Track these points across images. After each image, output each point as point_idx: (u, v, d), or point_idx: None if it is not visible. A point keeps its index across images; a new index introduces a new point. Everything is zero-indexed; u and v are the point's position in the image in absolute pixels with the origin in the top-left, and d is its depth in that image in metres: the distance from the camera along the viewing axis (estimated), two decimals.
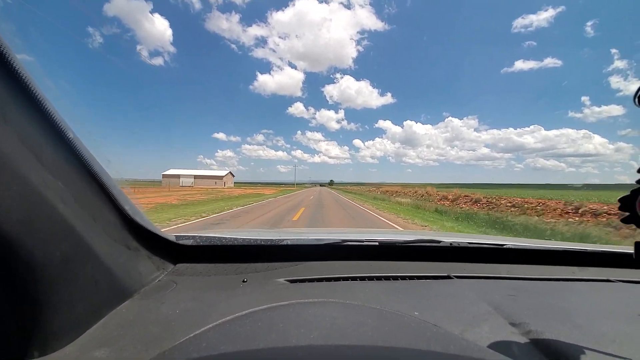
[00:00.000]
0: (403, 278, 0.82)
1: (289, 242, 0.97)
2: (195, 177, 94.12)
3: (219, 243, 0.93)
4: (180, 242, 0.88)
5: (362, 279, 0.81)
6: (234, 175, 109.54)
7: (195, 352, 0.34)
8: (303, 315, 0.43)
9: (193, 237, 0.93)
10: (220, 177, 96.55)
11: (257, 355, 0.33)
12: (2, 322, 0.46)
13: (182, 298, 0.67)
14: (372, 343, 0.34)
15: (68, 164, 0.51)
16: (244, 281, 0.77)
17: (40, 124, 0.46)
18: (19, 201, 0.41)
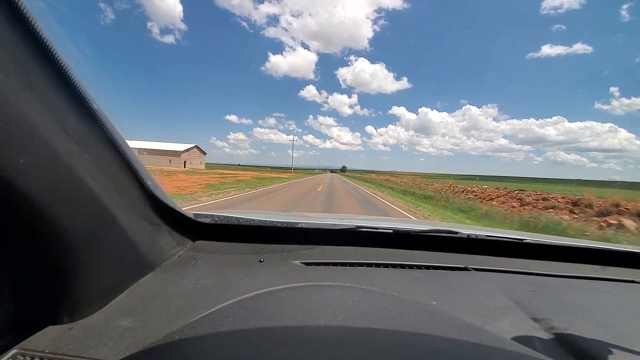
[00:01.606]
0: (419, 267, 0.82)
1: (304, 226, 0.97)
2: (141, 151, 47.92)
3: (236, 223, 0.95)
4: (199, 219, 0.90)
5: (377, 265, 0.81)
6: (204, 153, 73.47)
7: (224, 325, 0.34)
8: (326, 296, 0.43)
9: (211, 215, 0.95)
10: (178, 154, 61.08)
11: (289, 332, 0.33)
12: (33, 288, 0.48)
13: (201, 274, 0.69)
14: (401, 329, 0.34)
15: (93, 135, 0.51)
16: (260, 261, 0.79)
17: (65, 93, 0.45)
18: (45, 170, 0.41)
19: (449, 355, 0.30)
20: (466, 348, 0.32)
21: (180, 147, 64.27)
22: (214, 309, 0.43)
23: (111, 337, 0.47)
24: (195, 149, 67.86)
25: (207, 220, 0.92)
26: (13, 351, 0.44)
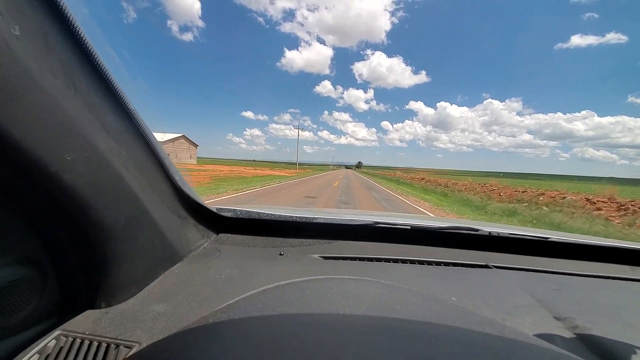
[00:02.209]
0: (438, 264, 0.81)
1: (322, 221, 0.99)
2: None
3: (257, 217, 0.98)
4: (222, 214, 0.94)
5: (395, 261, 0.81)
6: (196, 145, 62.26)
7: (253, 310, 0.36)
8: (347, 289, 0.44)
9: (233, 210, 0.98)
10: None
11: (315, 318, 0.34)
12: (74, 274, 0.52)
13: (226, 265, 0.73)
14: (423, 319, 0.35)
15: (129, 133, 0.54)
16: (280, 254, 0.82)
17: (104, 94, 0.48)
18: (89, 166, 0.44)
19: (473, 345, 0.31)
20: (490, 339, 0.32)
21: (163, 136, 49.42)
22: (241, 297, 0.45)
23: (145, 321, 0.51)
24: (182, 140, 57.09)
25: (230, 215, 0.96)
26: (57, 332, 0.48)
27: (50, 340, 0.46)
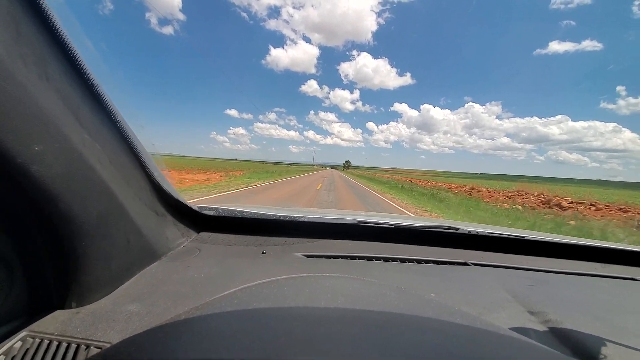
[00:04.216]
0: (419, 261, 0.83)
1: (306, 219, 0.99)
2: None
3: (239, 215, 0.97)
4: (203, 212, 0.92)
5: (378, 259, 0.82)
6: None
7: (228, 307, 0.36)
8: (327, 285, 0.45)
9: (215, 208, 0.97)
10: None
11: (289, 312, 0.35)
12: (44, 272, 0.50)
13: (206, 263, 0.71)
14: (397, 311, 0.36)
15: (104, 126, 0.52)
16: (263, 252, 0.81)
17: (79, 85, 0.47)
18: (59, 157, 0.43)
19: (443, 333, 0.32)
20: (460, 329, 0.34)
21: None
22: (218, 295, 0.44)
23: (118, 321, 0.49)
24: None
25: (212, 213, 0.94)
26: (23, 333, 0.45)
27: (16, 342, 0.44)
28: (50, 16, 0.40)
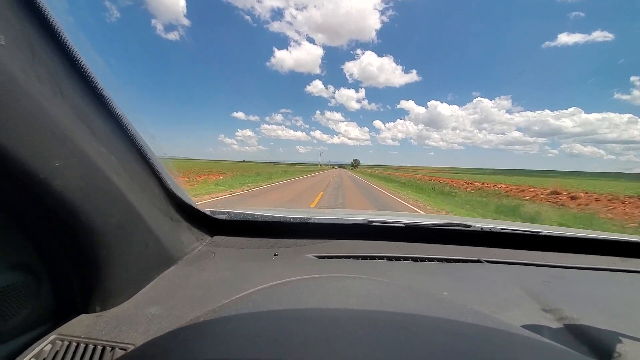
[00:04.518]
0: (431, 260, 0.83)
1: (317, 221, 1.00)
2: None
3: (251, 219, 0.99)
4: (216, 216, 0.94)
5: (389, 258, 0.82)
6: None
7: (244, 309, 0.37)
8: (339, 285, 0.45)
9: (227, 212, 0.98)
10: None
11: (304, 313, 0.36)
12: (68, 279, 0.52)
13: (220, 267, 0.73)
14: (409, 312, 0.36)
15: (118, 137, 0.54)
16: (275, 255, 0.82)
17: (91, 99, 0.49)
18: (78, 171, 0.45)
19: (454, 334, 0.33)
20: (472, 329, 0.34)
21: None
22: (234, 297, 0.46)
23: (140, 323, 0.51)
24: None
25: (224, 217, 0.96)
26: (52, 336, 0.48)
27: (46, 345, 0.46)
28: (61, 33, 0.41)
